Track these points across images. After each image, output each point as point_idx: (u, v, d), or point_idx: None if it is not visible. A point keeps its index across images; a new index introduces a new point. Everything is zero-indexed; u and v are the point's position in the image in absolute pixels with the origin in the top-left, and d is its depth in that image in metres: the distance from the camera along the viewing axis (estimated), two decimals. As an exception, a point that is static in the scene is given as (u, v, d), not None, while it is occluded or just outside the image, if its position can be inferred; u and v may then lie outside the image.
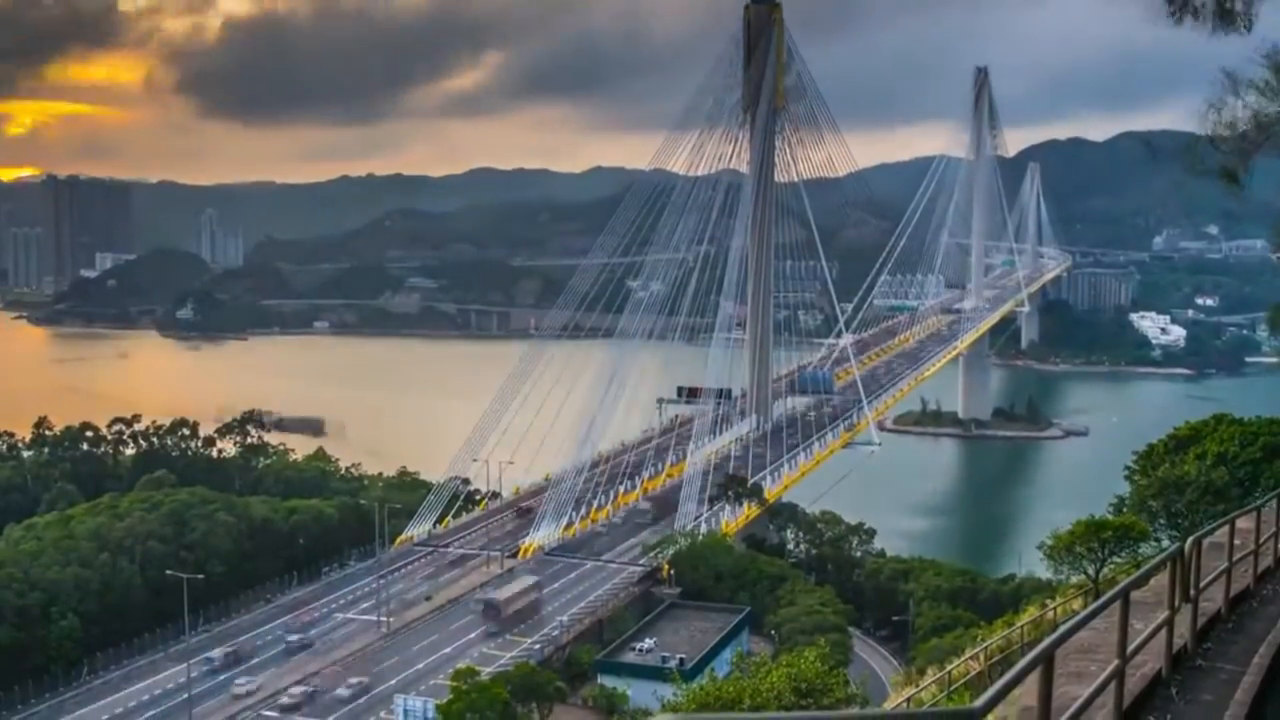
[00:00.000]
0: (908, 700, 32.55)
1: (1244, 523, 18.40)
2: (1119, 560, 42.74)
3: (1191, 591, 14.16)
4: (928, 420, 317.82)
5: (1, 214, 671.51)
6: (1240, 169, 20.15)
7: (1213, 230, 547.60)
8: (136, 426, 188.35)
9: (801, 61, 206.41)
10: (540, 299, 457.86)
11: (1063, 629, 9.09)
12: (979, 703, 6.94)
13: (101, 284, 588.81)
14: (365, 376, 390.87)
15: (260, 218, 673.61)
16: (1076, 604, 41.72)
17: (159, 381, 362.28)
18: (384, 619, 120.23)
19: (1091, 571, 42.18)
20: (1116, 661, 10.80)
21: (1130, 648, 11.27)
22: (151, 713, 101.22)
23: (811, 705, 29.79)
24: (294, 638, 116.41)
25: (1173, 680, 13.08)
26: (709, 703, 30.22)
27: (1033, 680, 8.37)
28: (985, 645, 37.43)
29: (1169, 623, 12.91)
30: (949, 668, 35.52)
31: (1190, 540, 13.97)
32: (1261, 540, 18.53)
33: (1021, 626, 39.33)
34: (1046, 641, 8.51)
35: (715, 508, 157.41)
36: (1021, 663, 7.99)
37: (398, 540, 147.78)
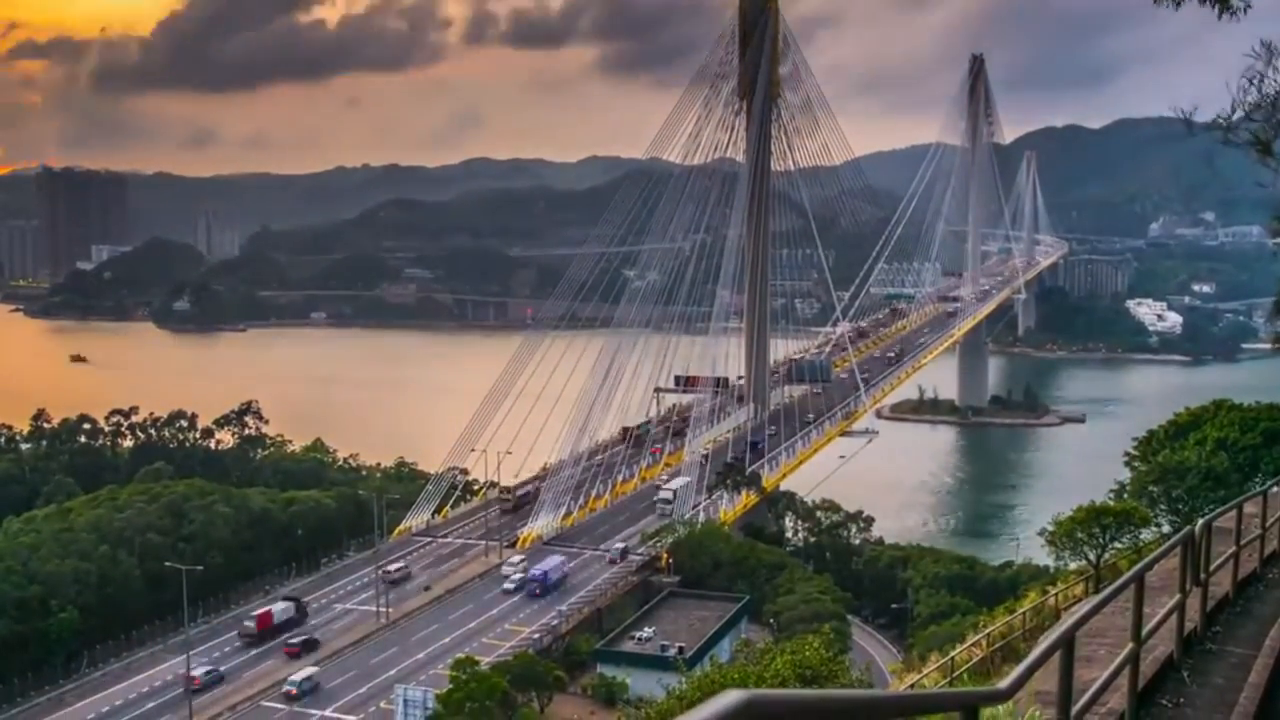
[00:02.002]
0: (911, 687, 32.54)
1: (1250, 507, 18.41)
2: (1120, 546, 42.74)
3: (1201, 575, 14.15)
4: (925, 408, 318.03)
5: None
6: (1274, 138, 20.10)
7: (1209, 217, 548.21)
8: (134, 419, 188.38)
9: (797, 50, 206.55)
10: (536, 289, 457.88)
11: (1082, 612, 9.07)
12: (1005, 684, 6.94)
13: (97, 276, 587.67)
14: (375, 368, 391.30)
15: (256, 209, 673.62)
16: (1078, 590, 41.74)
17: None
18: (383, 609, 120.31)
19: (1092, 557, 42.15)
20: (1131, 645, 10.78)
21: (1134, 632, 11.25)
22: (151, 705, 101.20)
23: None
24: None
25: (1184, 663, 13.07)
26: (714, 689, 30.21)
27: (1043, 662, 8.34)
28: (987, 632, 37.44)
29: (1180, 606, 12.89)
30: (952, 654, 35.55)
31: (1200, 524, 13.95)
32: (1268, 524, 18.56)
33: (1023, 613, 39.33)
34: (1067, 624, 8.50)
35: (714, 496, 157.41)
36: (1044, 645, 7.99)
37: (396, 531, 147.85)
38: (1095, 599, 9.63)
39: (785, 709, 4.71)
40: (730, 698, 4.42)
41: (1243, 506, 17.36)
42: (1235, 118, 19.61)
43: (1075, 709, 8.97)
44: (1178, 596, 12.86)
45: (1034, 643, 30.66)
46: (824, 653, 34.07)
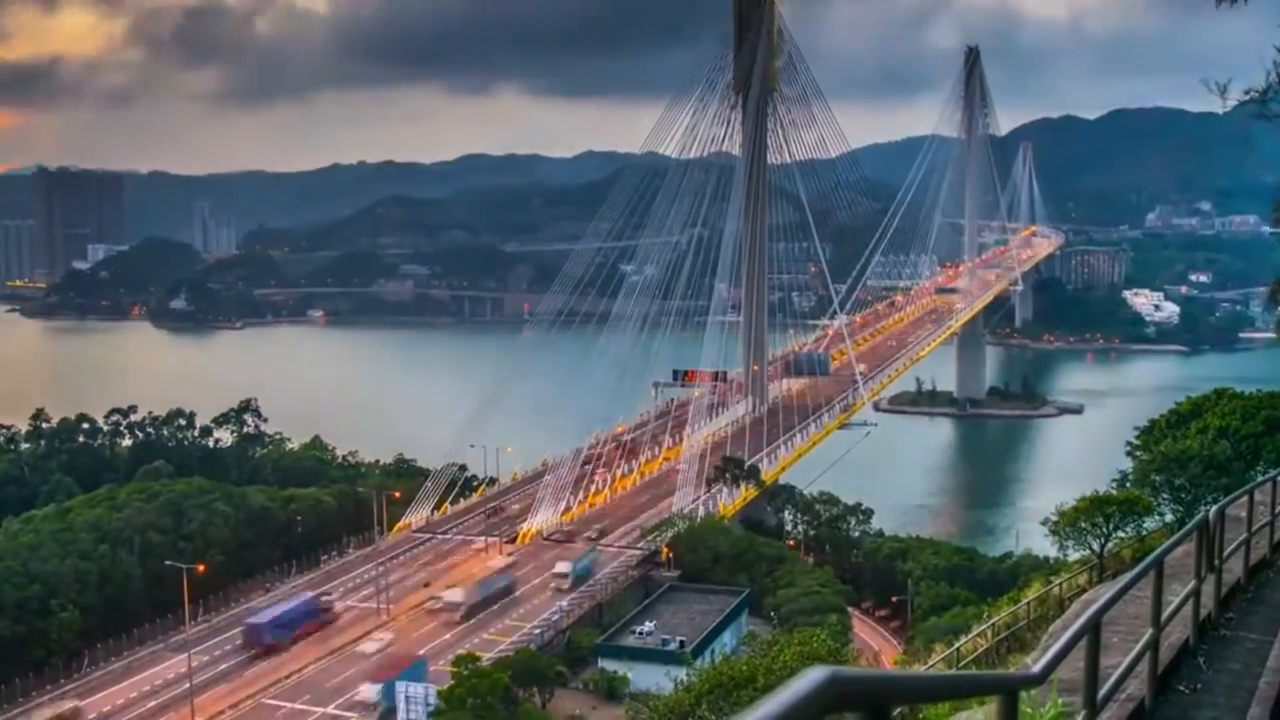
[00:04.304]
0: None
1: (1259, 494, 18.40)
2: (1123, 535, 42.74)
3: (1215, 561, 14.11)
4: (923, 400, 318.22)
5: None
6: None
7: (1205, 206, 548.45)
8: (133, 417, 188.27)
9: (793, 42, 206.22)
10: (533, 284, 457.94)
11: (1107, 597, 9.04)
12: (1038, 668, 6.95)
13: (94, 276, 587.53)
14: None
15: (252, 207, 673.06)
16: (1081, 579, 41.73)
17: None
18: (383, 606, 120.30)
19: (1096, 546, 42.17)
20: (1151, 630, 10.74)
21: (1153, 618, 11.21)
22: (153, 703, 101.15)
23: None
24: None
25: (1199, 649, 13.03)
26: (723, 681, 30.28)
27: (1073, 647, 8.31)
28: (992, 622, 37.46)
29: (1196, 592, 12.85)
30: (958, 644, 35.55)
31: (1214, 510, 13.91)
32: (1278, 511, 18.53)
33: (1028, 603, 39.35)
34: (1093, 609, 8.49)
35: (713, 490, 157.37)
36: (1072, 629, 7.97)
37: (396, 528, 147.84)
38: (1117, 585, 9.59)
39: (861, 685, 5.16)
40: (816, 673, 4.73)
41: (1254, 493, 17.35)
42: (1270, 90, 19.49)
43: (1100, 694, 8.94)
44: (1193, 583, 12.82)
45: (1040, 633, 30.72)
46: (832, 644, 34.09)
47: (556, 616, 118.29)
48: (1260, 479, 21.30)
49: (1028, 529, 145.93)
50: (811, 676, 4.68)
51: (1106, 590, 9.66)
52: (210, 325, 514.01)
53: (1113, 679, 9.39)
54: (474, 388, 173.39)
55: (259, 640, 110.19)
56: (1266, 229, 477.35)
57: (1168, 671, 11.92)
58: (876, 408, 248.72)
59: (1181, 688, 11.85)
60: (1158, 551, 11.04)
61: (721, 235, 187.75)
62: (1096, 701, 8.80)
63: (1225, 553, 14.96)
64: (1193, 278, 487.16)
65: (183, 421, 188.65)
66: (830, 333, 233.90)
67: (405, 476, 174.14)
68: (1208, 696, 11.69)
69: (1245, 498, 17.13)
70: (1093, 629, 8.39)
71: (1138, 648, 10.39)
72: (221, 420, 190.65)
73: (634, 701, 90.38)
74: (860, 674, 5.17)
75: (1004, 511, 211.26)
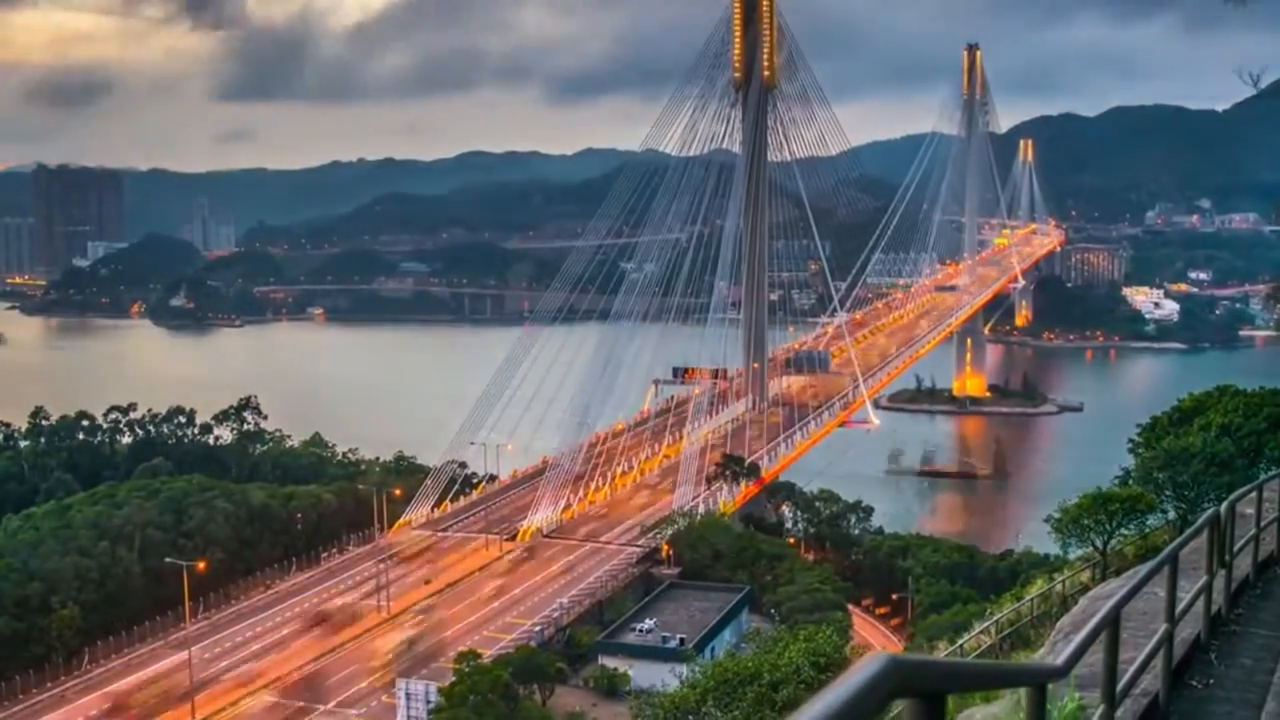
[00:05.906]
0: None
1: (1268, 490, 18.37)
2: (1126, 533, 42.63)
3: (1227, 557, 14.08)
4: (922, 397, 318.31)
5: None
6: None
7: (1205, 204, 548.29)
8: (133, 415, 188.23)
9: (793, 39, 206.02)
10: (534, 281, 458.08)
11: (1124, 592, 9.02)
12: (1061, 661, 6.96)
13: (94, 273, 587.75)
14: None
15: (252, 204, 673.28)
16: (1084, 577, 41.66)
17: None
18: (384, 603, 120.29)
19: (1099, 544, 42.06)
20: (1165, 625, 10.70)
21: (1168, 613, 11.17)
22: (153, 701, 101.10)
23: (831, 679, 29.72)
24: None
25: (1211, 645, 13.00)
26: (728, 677, 30.26)
27: (1093, 641, 8.30)
28: (995, 619, 37.44)
29: (1208, 588, 12.82)
30: (961, 641, 35.52)
31: (1225, 505, 13.87)
32: None
33: (1031, 600, 39.32)
34: (1112, 603, 8.48)
35: (713, 487, 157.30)
36: (1092, 623, 7.97)
37: (396, 525, 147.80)
38: (1133, 579, 9.56)
39: (922, 671, 5.25)
40: (879, 659, 4.76)
41: (1262, 489, 17.32)
42: None
43: (1118, 688, 8.91)
44: (1204, 578, 12.79)
45: (1044, 630, 30.69)
46: (836, 640, 34.13)
47: (557, 614, 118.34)
48: (1267, 475, 21.28)
49: (1028, 527, 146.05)
50: (873, 663, 4.64)
51: (1120, 585, 9.65)
52: (210, 323, 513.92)
53: (1129, 673, 9.36)
54: (474, 385, 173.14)
55: None
56: (1266, 227, 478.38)
57: (1180, 666, 11.89)
58: (876, 405, 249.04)
59: (1194, 682, 11.83)
60: (1172, 546, 11.01)
61: (721, 233, 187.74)
62: (1115, 696, 8.77)
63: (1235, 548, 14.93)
64: (1192, 275, 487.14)
65: (182, 419, 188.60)
66: (830, 331, 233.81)
67: (405, 474, 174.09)
68: (1221, 691, 11.66)
69: (1254, 494, 17.08)
70: (1112, 623, 8.38)
71: (1152, 642, 10.36)
72: (221, 418, 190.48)
73: (636, 699, 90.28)
74: (920, 661, 5.23)
75: (1004, 510, 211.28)
